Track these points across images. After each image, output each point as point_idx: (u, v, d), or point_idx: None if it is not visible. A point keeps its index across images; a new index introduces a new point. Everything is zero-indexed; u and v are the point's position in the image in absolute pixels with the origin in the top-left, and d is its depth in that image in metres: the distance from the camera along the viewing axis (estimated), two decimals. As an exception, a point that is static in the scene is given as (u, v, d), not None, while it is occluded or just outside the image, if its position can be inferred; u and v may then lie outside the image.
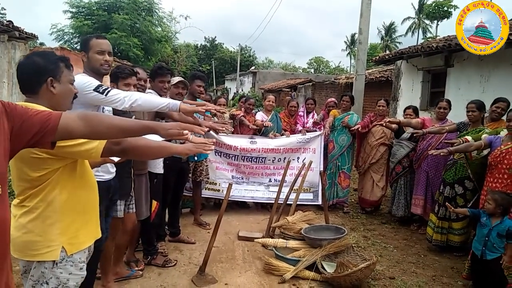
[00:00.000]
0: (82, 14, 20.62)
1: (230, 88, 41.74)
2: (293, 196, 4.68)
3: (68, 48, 14.09)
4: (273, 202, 4.72)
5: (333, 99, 6.50)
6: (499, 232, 3.25)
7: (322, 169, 5.59)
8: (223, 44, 54.81)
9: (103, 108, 2.67)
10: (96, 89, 2.38)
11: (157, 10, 22.36)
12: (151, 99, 2.74)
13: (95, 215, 1.89)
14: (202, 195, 5.31)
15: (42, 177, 1.63)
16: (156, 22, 22.67)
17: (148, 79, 3.65)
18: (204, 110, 2.97)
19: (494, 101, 4.26)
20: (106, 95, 2.43)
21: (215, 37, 55.11)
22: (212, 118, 4.87)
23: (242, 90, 36.92)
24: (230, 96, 33.00)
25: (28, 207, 1.65)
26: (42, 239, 1.64)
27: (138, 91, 3.26)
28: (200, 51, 51.03)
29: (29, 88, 1.70)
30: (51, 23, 22.92)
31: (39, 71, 1.67)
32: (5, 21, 7.79)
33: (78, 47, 19.24)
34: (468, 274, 3.59)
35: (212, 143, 1.87)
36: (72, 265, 1.72)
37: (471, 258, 3.51)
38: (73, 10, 20.61)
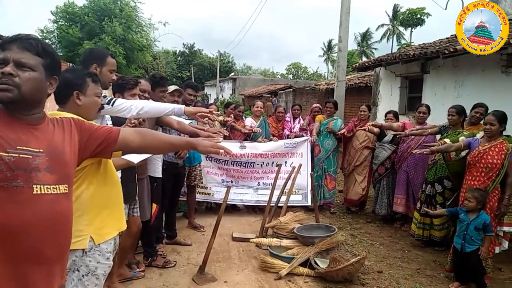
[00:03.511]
0: (67, 19, 20.40)
1: (210, 94, 41.76)
2: (283, 198, 4.89)
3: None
4: (262, 204, 4.91)
5: (317, 105, 6.78)
6: (476, 225, 3.56)
7: (311, 171, 5.82)
8: (202, 50, 55.06)
9: (104, 118, 2.80)
10: None
11: (137, 18, 22.27)
12: (156, 106, 2.92)
13: (119, 208, 2.05)
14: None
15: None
16: (136, 29, 22.55)
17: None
18: (207, 112, 3.17)
19: (474, 107, 4.56)
20: (112, 105, 2.59)
21: (194, 43, 55.27)
22: (204, 126, 5.03)
23: (222, 96, 36.99)
24: (211, 102, 33.09)
25: None
26: (72, 229, 1.78)
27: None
28: (179, 58, 50.94)
29: (59, 99, 1.95)
30: (38, 27, 22.56)
31: (67, 85, 1.89)
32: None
33: (60, 52, 19.00)
34: (451, 267, 3.89)
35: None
36: (99, 254, 1.87)
37: (453, 251, 3.80)
38: (65, 15, 20.40)
